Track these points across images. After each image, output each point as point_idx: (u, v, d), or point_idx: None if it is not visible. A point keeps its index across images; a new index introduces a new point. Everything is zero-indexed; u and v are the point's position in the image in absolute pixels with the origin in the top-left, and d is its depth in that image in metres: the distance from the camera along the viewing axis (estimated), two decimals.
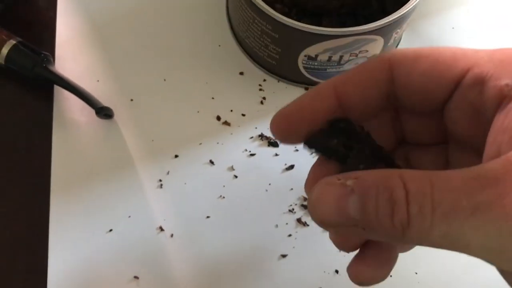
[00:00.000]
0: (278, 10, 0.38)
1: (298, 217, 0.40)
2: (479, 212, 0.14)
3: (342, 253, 0.39)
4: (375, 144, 0.19)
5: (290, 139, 0.20)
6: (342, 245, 0.21)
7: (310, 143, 0.20)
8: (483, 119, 0.17)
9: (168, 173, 0.40)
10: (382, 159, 0.19)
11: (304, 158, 0.42)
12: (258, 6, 0.37)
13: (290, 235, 0.40)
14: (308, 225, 0.40)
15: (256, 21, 0.39)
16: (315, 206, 0.17)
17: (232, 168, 0.41)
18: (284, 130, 0.20)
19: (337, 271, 0.38)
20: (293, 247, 0.39)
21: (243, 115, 0.43)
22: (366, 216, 0.16)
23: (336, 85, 0.19)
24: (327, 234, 0.39)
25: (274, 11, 0.37)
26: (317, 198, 0.17)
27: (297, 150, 0.42)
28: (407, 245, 0.20)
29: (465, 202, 0.14)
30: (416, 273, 0.39)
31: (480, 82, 0.17)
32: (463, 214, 0.14)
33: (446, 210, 0.14)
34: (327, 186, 0.17)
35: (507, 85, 0.15)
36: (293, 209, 0.40)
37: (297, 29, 0.37)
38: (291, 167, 0.42)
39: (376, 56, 0.19)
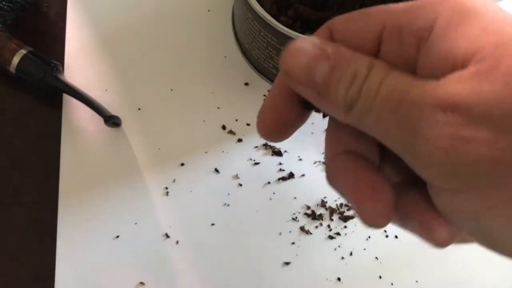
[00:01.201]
0: (283, 23, 0.39)
1: (301, 225, 0.41)
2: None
3: (344, 261, 0.40)
4: None
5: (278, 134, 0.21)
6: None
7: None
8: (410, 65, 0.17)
9: (174, 181, 0.41)
10: None
11: (307, 168, 0.43)
12: (264, 19, 0.38)
13: (293, 243, 0.40)
14: (311, 233, 0.41)
15: (261, 33, 0.40)
16: (289, 57, 0.18)
17: (236, 177, 0.42)
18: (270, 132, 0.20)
19: (339, 279, 0.39)
20: (296, 255, 0.40)
21: (248, 124, 0.44)
22: (327, 82, 0.17)
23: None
24: (330, 242, 0.40)
25: (279, 24, 0.38)
26: (295, 50, 0.18)
27: (300, 160, 0.43)
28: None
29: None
30: (417, 281, 0.39)
31: (398, 31, 0.17)
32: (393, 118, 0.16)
33: (392, 106, 0.16)
34: (306, 44, 0.17)
35: (419, 29, 0.16)
36: (296, 218, 0.41)
37: None
38: (295, 176, 0.42)
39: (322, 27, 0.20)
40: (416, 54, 0.17)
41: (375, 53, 0.18)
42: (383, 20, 0.17)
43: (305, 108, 0.20)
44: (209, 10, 0.48)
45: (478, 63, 0.15)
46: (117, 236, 0.39)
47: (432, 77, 0.16)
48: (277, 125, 0.20)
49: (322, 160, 0.43)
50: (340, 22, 0.19)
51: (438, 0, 0.16)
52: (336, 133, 0.20)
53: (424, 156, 0.15)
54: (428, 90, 0.15)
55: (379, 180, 0.18)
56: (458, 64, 0.15)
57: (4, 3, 0.42)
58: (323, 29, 0.19)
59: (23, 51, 0.42)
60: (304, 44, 0.18)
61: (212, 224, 0.40)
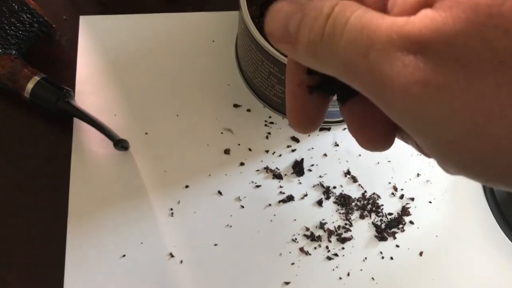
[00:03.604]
0: (284, 53, 0.41)
1: (300, 246, 0.42)
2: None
3: (342, 281, 0.41)
4: None
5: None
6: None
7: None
8: None
9: (178, 202, 0.43)
10: None
11: (307, 191, 0.45)
12: (266, 49, 0.40)
13: (293, 263, 0.42)
14: (310, 254, 0.42)
15: (264, 63, 0.42)
16: (269, 18, 0.18)
17: (239, 199, 0.44)
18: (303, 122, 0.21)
19: None
20: (296, 275, 0.41)
21: (250, 149, 0.46)
22: (297, 30, 0.16)
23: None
24: (328, 263, 0.42)
25: (281, 55, 0.40)
26: (275, 11, 0.18)
27: (300, 183, 0.45)
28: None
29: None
30: None
31: None
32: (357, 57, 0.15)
33: (361, 50, 0.15)
34: (286, 3, 0.18)
35: None
36: (296, 239, 0.43)
37: None
38: (294, 198, 0.44)
39: None
40: None
41: None
42: None
43: (310, 92, 0.20)
44: (213, 41, 0.50)
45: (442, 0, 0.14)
46: (124, 255, 0.40)
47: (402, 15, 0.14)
48: (304, 117, 0.21)
49: (320, 183, 0.45)
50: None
51: None
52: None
53: (397, 106, 0.14)
54: (396, 30, 0.14)
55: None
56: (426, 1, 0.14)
57: (20, 32, 0.45)
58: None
59: (37, 78, 0.43)
60: (282, 4, 0.18)
61: (215, 245, 0.42)
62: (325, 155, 0.46)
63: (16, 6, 0.44)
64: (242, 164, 0.45)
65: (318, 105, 0.21)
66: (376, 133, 0.19)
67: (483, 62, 0.13)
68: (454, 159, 0.15)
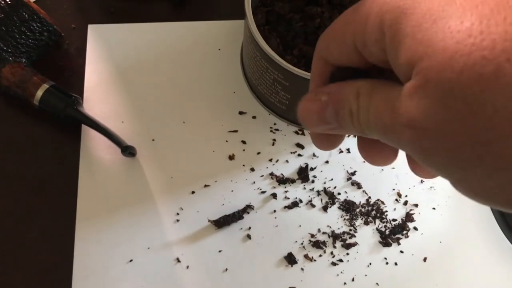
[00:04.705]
0: (289, 61, 0.42)
1: (305, 251, 0.43)
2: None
3: (347, 286, 0.41)
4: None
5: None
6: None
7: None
8: None
9: (185, 208, 0.43)
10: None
11: (311, 197, 0.45)
12: (271, 57, 0.41)
13: (298, 269, 0.42)
14: (315, 260, 0.43)
15: (269, 70, 0.43)
16: (303, 118, 0.22)
17: (244, 205, 0.44)
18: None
19: None
20: (301, 280, 0.42)
21: (255, 154, 0.46)
22: (339, 120, 0.21)
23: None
24: (333, 268, 0.42)
25: (285, 62, 0.41)
26: (304, 113, 0.22)
27: (304, 188, 0.45)
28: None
29: (387, 117, 0.18)
30: None
31: (362, 43, 0.19)
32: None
33: (382, 132, 0.19)
34: (309, 103, 0.22)
35: (376, 40, 0.18)
36: (301, 244, 0.43)
37: (306, 78, 0.41)
38: (299, 205, 0.45)
39: None
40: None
41: (363, 59, 0.20)
42: (349, 32, 0.20)
43: None
44: (219, 49, 0.51)
45: (415, 78, 0.16)
46: (131, 260, 0.41)
47: (403, 75, 0.17)
48: (327, 139, 0.25)
49: (325, 189, 0.45)
50: (323, 48, 0.22)
51: (373, 5, 0.18)
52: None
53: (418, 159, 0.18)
54: (396, 110, 0.17)
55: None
56: (408, 73, 0.16)
57: (30, 40, 0.46)
58: (316, 61, 0.23)
59: (46, 85, 0.44)
60: (307, 105, 0.22)
61: (219, 251, 0.42)
62: (330, 161, 0.47)
63: (26, 15, 0.45)
64: (247, 170, 0.46)
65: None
66: (383, 154, 0.24)
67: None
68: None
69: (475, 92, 0.14)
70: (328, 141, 0.25)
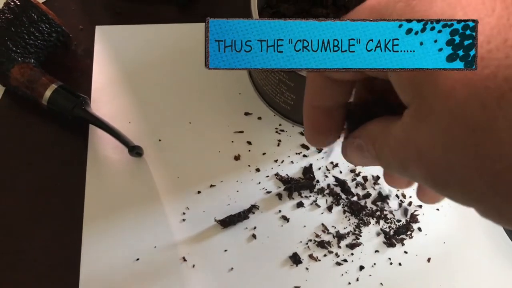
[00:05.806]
0: None
1: (310, 251, 0.43)
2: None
3: (351, 286, 0.42)
4: (368, 104, 0.24)
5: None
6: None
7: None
8: None
9: (191, 207, 0.44)
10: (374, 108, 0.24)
11: (317, 197, 0.45)
12: None
13: (303, 269, 0.42)
14: (319, 260, 0.43)
15: (273, 71, 0.43)
16: (349, 159, 0.24)
17: (249, 205, 0.44)
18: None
19: None
20: (306, 280, 0.42)
21: (261, 155, 0.47)
22: (379, 158, 0.21)
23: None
24: (337, 268, 0.42)
25: None
26: (348, 156, 0.24)
27: (310, 189, 0.46)
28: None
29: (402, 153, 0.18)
30: None
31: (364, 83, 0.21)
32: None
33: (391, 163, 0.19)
34: (349, 146, 0.23)
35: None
36: (306, 244, 0.43)
37: None
38: (304, 205, 0.45)
39: None
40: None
41: (363, 74, 0.20)
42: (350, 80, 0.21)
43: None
44: None
45: (418, 103, 0.16)
46: (137, 259, 0.41)
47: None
48: (317, 133, 0.25)
49: (330, 189, 0.46)
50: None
51: None
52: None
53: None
54: (399, 141, 0.18)
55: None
56: (410, 92, 0.17)
57: (39, 41, 0.46)
58: (317, 75, 0.23)
59: (54, 86, 0.45)
60: (347, 150, 0.23)
61: (225, 250, 0.43)
62: (335, 162, 0.47)
63: (35, 16, 0.46)
64: (253, 170, 0.46)
65: (335, 124, 0.24)
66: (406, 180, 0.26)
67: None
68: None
69: (480, 122, 0.14)
70: (323, 141, 0.25)
